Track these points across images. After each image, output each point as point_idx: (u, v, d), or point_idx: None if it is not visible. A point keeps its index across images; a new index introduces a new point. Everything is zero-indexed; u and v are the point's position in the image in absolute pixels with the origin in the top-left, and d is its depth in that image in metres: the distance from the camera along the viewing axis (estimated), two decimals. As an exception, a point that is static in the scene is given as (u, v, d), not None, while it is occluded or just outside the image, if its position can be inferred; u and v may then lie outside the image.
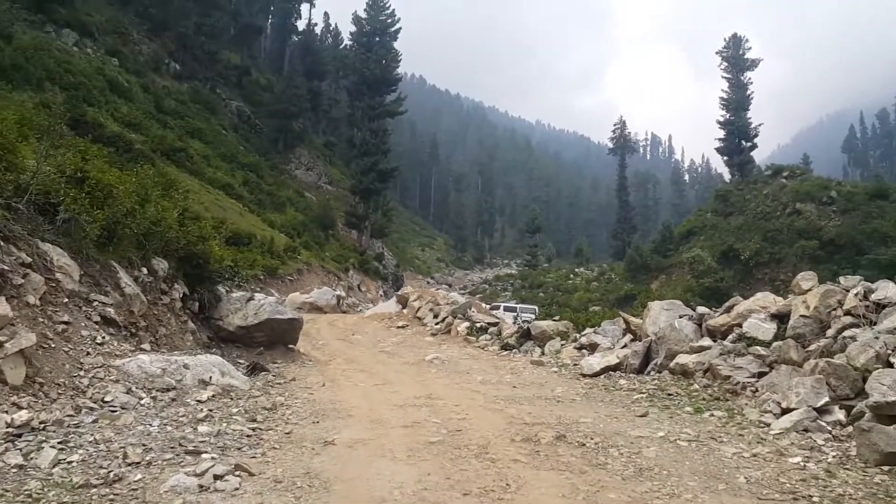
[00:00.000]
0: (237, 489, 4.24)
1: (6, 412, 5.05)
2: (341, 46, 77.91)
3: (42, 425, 5.10)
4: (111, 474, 4.28)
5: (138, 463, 4.61)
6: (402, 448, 5.45)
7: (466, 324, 18.47)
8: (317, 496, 4.24)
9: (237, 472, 4.52)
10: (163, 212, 11.35)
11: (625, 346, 11.97)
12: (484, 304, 31.82)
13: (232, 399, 7.28)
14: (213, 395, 7.26)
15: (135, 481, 4.24)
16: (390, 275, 53.74)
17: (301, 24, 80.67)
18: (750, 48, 65.95)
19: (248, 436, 5.73)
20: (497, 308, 33.58)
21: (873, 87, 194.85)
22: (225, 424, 6.02)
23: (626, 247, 71.30)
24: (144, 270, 10.79)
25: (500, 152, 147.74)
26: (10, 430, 4.82)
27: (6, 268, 6.38)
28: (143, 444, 5.04)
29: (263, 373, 10.17)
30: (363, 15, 60.66)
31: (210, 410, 6.51)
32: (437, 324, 19.75)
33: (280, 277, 33.35)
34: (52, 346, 6.54)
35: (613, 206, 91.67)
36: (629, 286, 50.59)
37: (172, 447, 5.07)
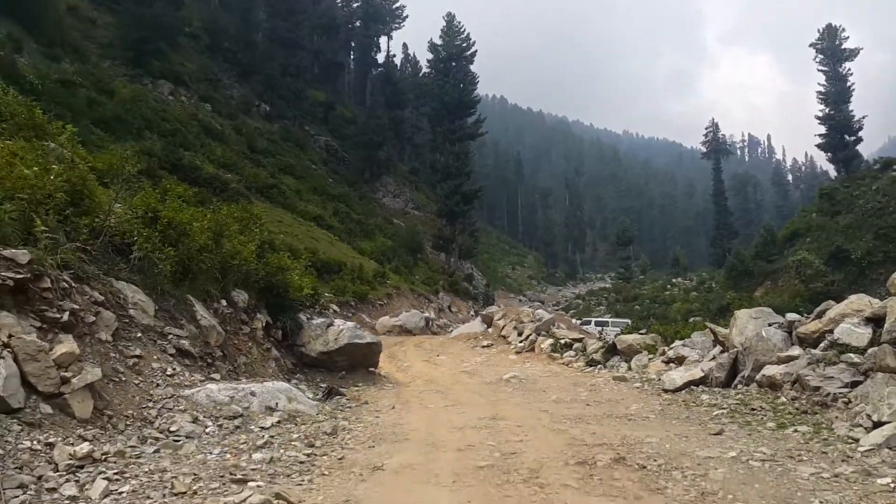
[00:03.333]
0: (271, 518, 4.22)
1: (71, 444, 5.28)
2: (420, 74, 79.56)
3: (104, 457, 5.29)
4: (152, 505, 4.37)
5: (184, 493, 4.68)
6: (449, 473, 5.28)
7: (550, 341, 18.11)
8: (349, 526, 4.15)
9: (276, 501, 4.50)
10: (239, 246, 11.75)
11: (713, 358, 11.31)
12: (575, 320, 31.18)
13: (296, 425, 7.35)
14: (278, 422, 7.36)
15: (173, 513, 4.30)
16: (481, 294, 53.68)
17: (381, 57, 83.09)
18: (847, 38, 62.00)
19: (301, 462, 5.73)
20: (588, 323, 32.84)
21: None
22: (282, 451, 6.06)
23: (726, 254, 68.14)
24: (224, 302, 11.19)
25: (587, 165, 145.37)
26: (72, 461, 5.03)
27: (77, 307, 6.75)
28: (195, 474, 5.13)
29: (338, 397, 10.28)
30: (439, 42, 61.74)
31: (271, 437, 6.59)
32: (521, 342, 19.50)
33: (371, 302, 33.99)
34: (123, 379, 6.84)
35: (710, 212, 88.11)
36: (731, 294, 48.05)
37: (222, 476, 5.13)
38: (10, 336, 5.58)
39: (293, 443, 6.44)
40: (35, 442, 5.07)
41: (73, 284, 7.01)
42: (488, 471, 5.35)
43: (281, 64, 60.01)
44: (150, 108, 38.48)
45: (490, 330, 22.92)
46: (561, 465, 5.48)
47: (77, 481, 4.77)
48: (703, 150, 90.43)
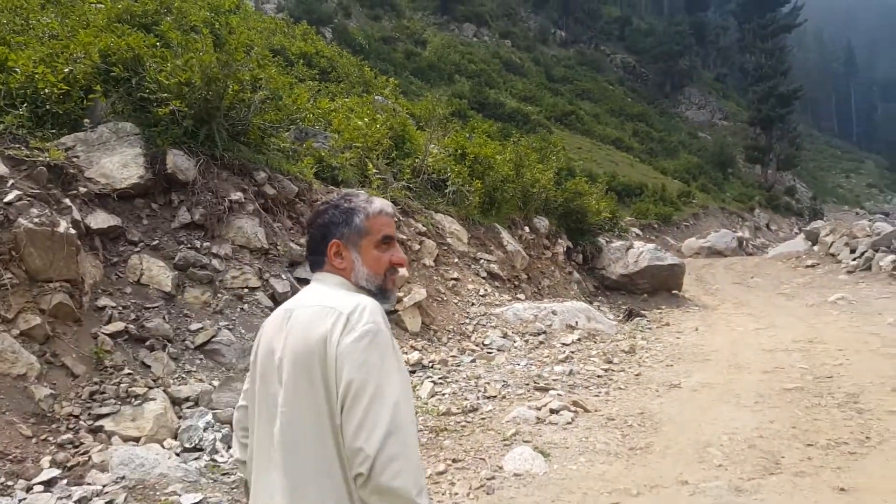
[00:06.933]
0: (569, 423, 4.63)
1: (405, 353, 6.35)
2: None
3: (430, 364, 6.27)
4: (469, 405, 5.10)
5: (494, 396, 5.36)
6: (751, 394, 5.14)
7: (892, 257, 15.62)
8: (642, 435, 4.36)
9: (573, 408, 4.91)
10: (538, 174, 12.35)
11: None
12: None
13: (594, 342, 7.72)
14: (578, 339, 7.80)
15: (486, 411, 4.97)
16: (806, 209, 47.84)
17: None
18: None
19: (598, 376, 6.08)
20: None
21: None
22: (581, 365, 6.48)
23: None
24: (527, 229, 11.97)
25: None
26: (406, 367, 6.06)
27: (405, 237, 7.90)
28: (504, 381, 5.81)
29: (638, 318, 10.40)
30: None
31: (571, 353, 7.06)
32: (853, 260, 17.16)
33: (675, 224, 32.68)
34: (444, 298, 7.87)
35: None
36: None
37: (527, 384, 5.72)
38: (354, 263, 6.82)
39: (592, 359, 6.81)
40: (377, 352, 6.20)
41: (401, 218, 8.20)
42: (797, 393, 5.09)
43: (573, -17, 59.11)
44: (457, 52, 41.28)
45: (815, 248, 20.51)
46: (887, 390, 4.95)
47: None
48: None
